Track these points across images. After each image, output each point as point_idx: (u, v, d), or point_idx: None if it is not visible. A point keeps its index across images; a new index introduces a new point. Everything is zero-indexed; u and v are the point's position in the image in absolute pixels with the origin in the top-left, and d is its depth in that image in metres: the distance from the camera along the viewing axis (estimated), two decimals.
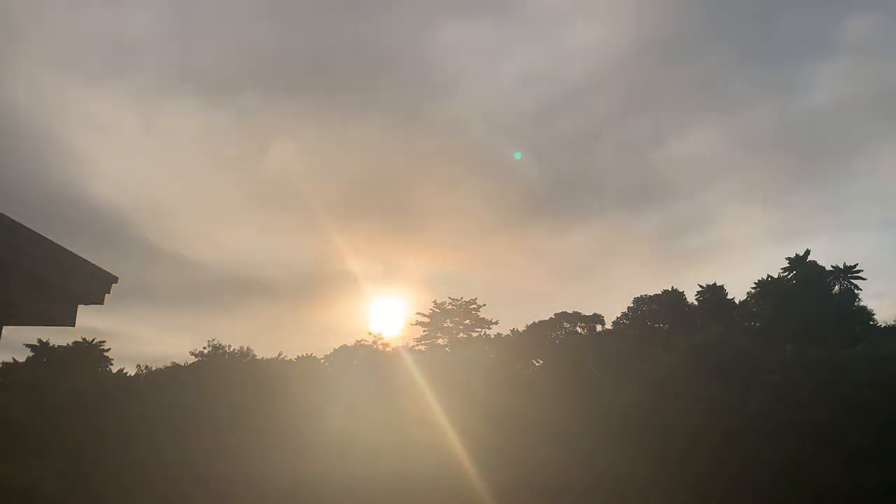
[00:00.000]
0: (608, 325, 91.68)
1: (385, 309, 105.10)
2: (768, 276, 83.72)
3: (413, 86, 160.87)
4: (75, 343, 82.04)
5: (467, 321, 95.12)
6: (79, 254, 5.86)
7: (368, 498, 50.86)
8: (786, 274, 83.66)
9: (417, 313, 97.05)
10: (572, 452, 52.04)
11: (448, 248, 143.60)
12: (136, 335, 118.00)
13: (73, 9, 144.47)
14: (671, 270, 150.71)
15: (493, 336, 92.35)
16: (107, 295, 6.33)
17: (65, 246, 5.67)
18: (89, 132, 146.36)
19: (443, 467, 51.47)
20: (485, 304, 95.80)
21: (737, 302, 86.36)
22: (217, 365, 76.24)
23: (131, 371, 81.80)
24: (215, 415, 63.43)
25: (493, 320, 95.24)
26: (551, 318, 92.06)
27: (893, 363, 47.50)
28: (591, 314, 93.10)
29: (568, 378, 66.43)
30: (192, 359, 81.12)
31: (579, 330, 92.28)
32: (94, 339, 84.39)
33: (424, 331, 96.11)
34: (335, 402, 63.07)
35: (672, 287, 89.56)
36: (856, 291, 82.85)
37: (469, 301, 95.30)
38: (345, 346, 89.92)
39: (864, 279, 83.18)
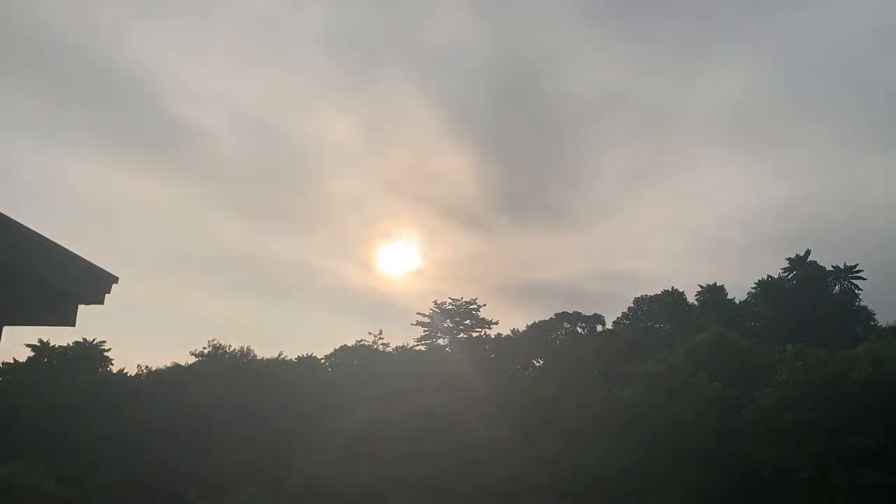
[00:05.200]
0: (608, 325, 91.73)
1: None
2: (768, 276, 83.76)
3: None
4: (75, 343, 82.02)
5: (467, 321, 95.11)
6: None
7: (371, 498, 50.84)
8: (786, 274, 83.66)
9: (418, 313, 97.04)
10: (571, 452, 52.01)
11: None
12: None
13: None
14: None
15: (493, 336, 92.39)
16: (107, 294, 6.32)
17: None
18: None
19: (443, 467, 51.43)
20: (485, 304, 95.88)
21: (737, 302, 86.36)
22: (217, 365, 76.22)
23: (132, 371, 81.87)
24: (216, 414, 63.40)
25: (493, 320, 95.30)
26: (551, 318, 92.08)
27: (894, 364, 47.43)
28: (591, 314, 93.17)
29: (568, 378, 66.40)
30: (193, 359, 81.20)
31: (579, 330, 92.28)
32: (94, 339, 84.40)
33: (425, 331, 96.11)
34: (337, 401, 63.01)
35: (672, 287, 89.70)
36: (856, 292, 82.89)
37: (469, 301, 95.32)
38: (345, 345, 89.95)
39: (864, 279, 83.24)
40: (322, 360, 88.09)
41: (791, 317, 76.24)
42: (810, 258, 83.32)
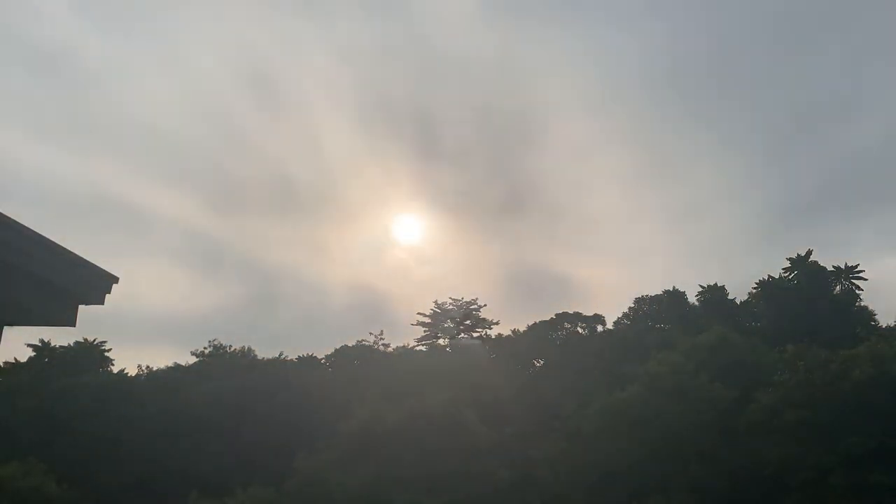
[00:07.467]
0: (609, 326, 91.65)
1: None
2: (769, 276, 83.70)
3: None
4: (76, 343, 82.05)
5: (468, 321, 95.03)
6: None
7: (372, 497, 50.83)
8: (787, 274, 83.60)
9: (418, 313, 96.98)
10: (572, 452, 52.01)
11: None
12: None
13: None
14: None
15: (493, 336, 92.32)
16: (107, 295, 6.32)
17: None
18: None
19: (444, 467, 51.41)
20: (485, 305, 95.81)
21: (738, 302, 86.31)
22: (218, 365, 76.25)
23: (132, 371, 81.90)
24: (217, 414, 63.41)
25: (494, 320, 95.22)
26: (552, 318, 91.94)
27: (894, 364, 47.46)
28: (591, 314, 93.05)
29: (568, 378, 66.39)
30: (193, 359, 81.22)
31: (580, 330, 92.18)
32: (94, 339, 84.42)
33: (425, 331, 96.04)
34: (337, 401, 62.97)
35: (673, 287, 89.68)
36: (857, 292, 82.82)
37: (469, 301, 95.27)
38: (345, 345, 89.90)
39: (865, 279, 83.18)
40: (322, 360, 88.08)
41: (792, 317, 76.21)
42: (811, 258, 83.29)
